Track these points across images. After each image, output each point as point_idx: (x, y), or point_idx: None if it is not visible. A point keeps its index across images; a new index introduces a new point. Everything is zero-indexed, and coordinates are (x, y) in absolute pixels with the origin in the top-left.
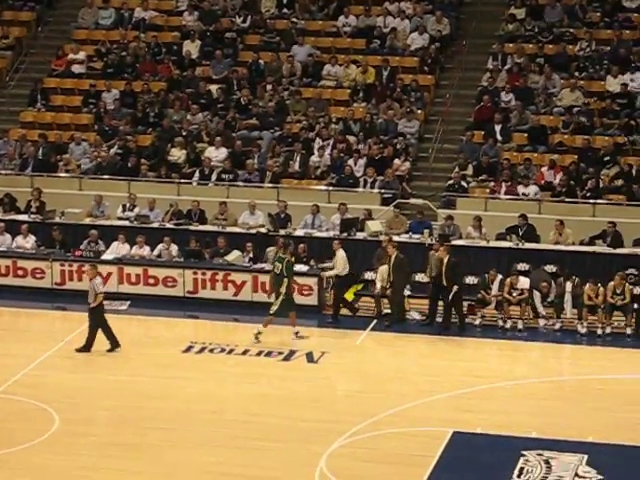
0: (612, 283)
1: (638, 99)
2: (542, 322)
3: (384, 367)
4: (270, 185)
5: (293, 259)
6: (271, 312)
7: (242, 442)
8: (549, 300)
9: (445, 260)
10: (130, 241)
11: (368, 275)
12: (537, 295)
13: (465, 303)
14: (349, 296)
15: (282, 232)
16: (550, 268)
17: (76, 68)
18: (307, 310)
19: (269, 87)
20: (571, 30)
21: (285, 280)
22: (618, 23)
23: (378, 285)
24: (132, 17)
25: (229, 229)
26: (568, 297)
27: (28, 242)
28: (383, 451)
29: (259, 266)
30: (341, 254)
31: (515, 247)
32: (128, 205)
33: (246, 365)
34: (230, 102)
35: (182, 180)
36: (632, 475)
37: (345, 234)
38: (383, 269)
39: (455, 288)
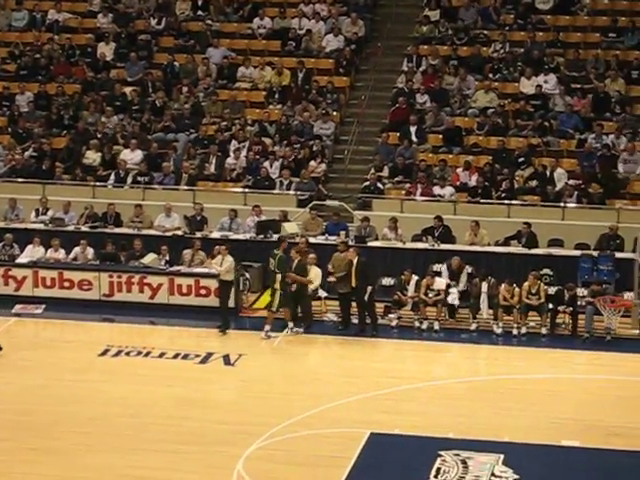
0: (527, 283)
1: (552, 100)
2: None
3: (301, 369)
4: (186, 187)
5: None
6: (272, 309)
7: (159, 445)
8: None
9: (355, 261)
10: (45, 244)
11: None
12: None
13: (381, 304)
14: (265, 299)
15: (198, 235)
16: (466, 269)
17: None
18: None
19: (184, 89)
20: (485, 32)
21: (278, 276)
22: (531, 25)
23: (311, 287)
24: (45, 19)
25: (145, 232)
26: (484, 297)
27: None
28: (301, 453)
29: (175, 269)
30: (229, 259)
31: (431, 248)
32: (41, 209)
33: (163, 368)
34: (145, 104)
35: (97, 183)
36: (547, 474)
37: (261, 236)
38: (317, 271)
39: (369, 289)
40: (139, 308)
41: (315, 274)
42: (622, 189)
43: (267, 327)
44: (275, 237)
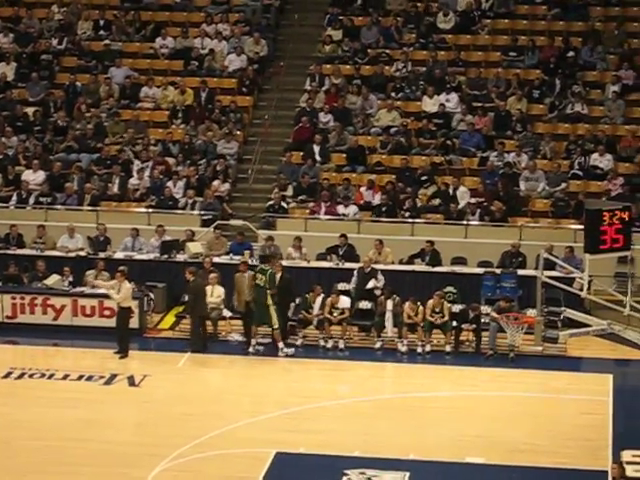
0: (431, 301)
1: (454, 119)
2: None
3: (206, 389)
4: (89, 208)
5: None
6: (275, 327)
7: (63, 468)
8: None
9: (279, 277)
10: None
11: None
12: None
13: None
14: (170, 319)
15: (102, 255)
16: (371, 286)
17: None
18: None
19: (83, 107)
20: (387, 51)
21: (269, 292)
22: (433, 44)
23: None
24: None
25: (48, 253)
26: (389, 315)
27: None
28: (206, 473)
29: (79, 290)
30: (126, 285)
31: (335, 267)
32: None
33: (67, 390)
34: (47, 125)
35: None
36: None
37: (165, 256)
38: (207, 290)
39: (292, 305)
40: (42, 330)
41: (218, 293)
42: (524, 207)
43: (280, 345)
44: (179, 257)
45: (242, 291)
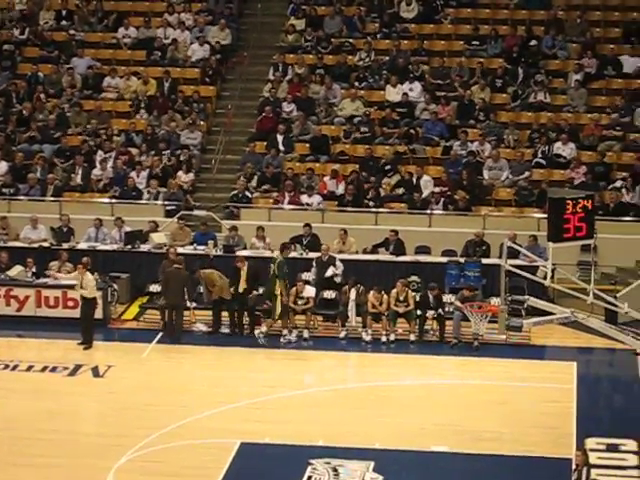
0: (395, 290)
1: (417, 108)
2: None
3: (171, 379)
4: (52, 199)
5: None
6: (275, 317)
7: (29, 459)
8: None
9: (245, 268)
10: None
11: (153, 287)
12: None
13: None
14: (134, 309)
15: (65, 246)
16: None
17: None
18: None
19: (42, 96)
20: (350, 40)
21: (278, 281)
22: (396, 33)
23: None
24: None
25: (11, 244)
26: (352, 305)
27: None
28: (172, 464)
29: (42, 281)
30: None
31: (299, 257)
32: None
33: (31, 381)
34: (10, 115)
35: None
36: (417, 479)
37: (129, 247)
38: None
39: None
40: (6, 321)
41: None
42: (487, 196)
43: (285, 332)
44: (144, 247)
45: (214, 284)
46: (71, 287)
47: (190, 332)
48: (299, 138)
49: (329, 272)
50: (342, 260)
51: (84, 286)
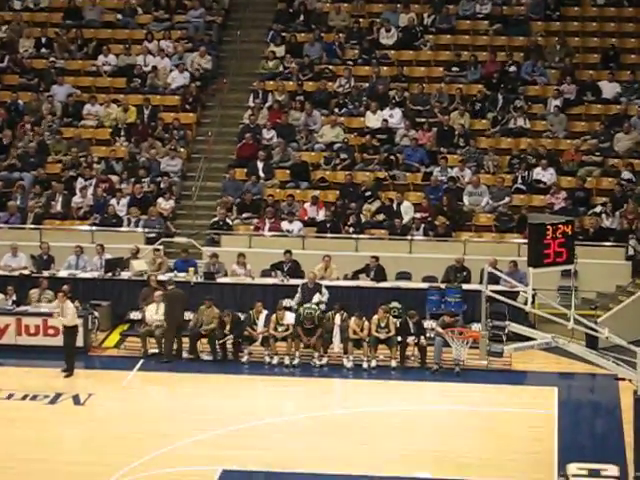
0: (376, 317)
1: (397, 134)
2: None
3: (152, 407)
4: (32, 226)
5: None
6: None
7: None
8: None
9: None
10: None
11: (133, 315)
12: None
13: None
14: (114, 337)
15: (45, 274)
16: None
17: None
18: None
19: (29, 128)
20: (330, 67)
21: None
22: (376, 60)
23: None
24: None
25: None
26: (337, 331)
27: None
28: None
29: (22, 309)
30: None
31: (280, 283)
32: None
33: (12, 409)
34: None
35: None
36: None
37: (110, 274)
38: (152, 307)
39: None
40: None
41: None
42: (468, 221)
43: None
44: (124, 275)
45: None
46: (51, 315)
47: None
48: (279, 165)
49: (315, 299)
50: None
51: (64, 314)
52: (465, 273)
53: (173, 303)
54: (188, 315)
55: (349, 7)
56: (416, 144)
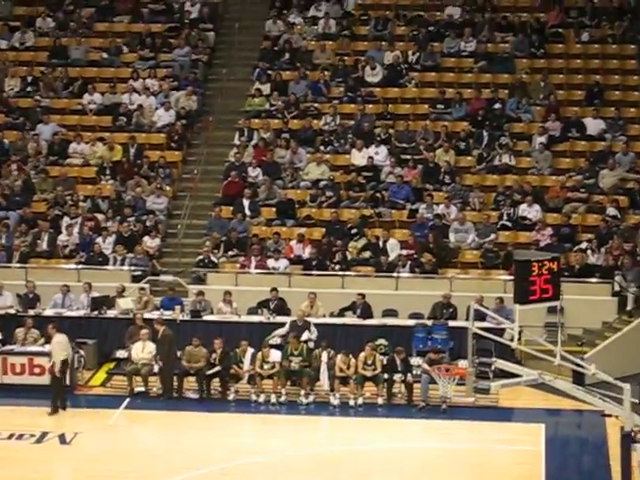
0: (363, 354)
1: (383, 172)
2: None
3: (138, 446)
4: (18, 265)
5: None
6: None
7: None
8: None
9: (160, 333)
10: None
11: (120, 353)
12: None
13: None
14: (101, 375)
15: (31, 312)
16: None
17: None
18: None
19: (13, 166)
20: (315, 105)
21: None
22: (361, 97)
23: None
24: None
25: None
26: (324, 368)
27: None
28: None
29: (8, 348)
30: (57, 339)
31: (266, 321)
32: None
33: None
34: None
35: None
36: None
37: (96, 312)
38: (138, 346)
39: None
40: None
41: (149, 349)
42: (454, 258)
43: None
44: (110, 313)
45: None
46: (37, 354)
47: (156, 397)
48: (265, 202)
49: (304, 336)
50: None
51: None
52: (452, 309)
53: (168, 343)
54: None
55: (334, 45)
56: (402, 181)
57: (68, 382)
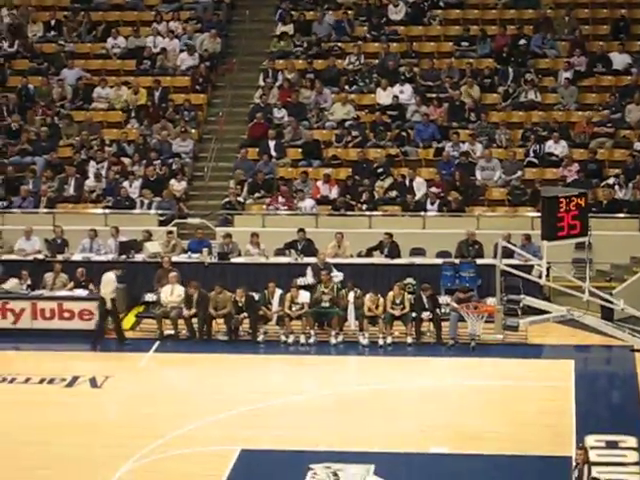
0: (391, 293)
1: (408, 110)
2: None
3: (169, 388)
4: (45, 210)
5: None
6: None
7: (29, 472)
8: None
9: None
10: None
11: (149, 297)
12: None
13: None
14: (130, 319)
15: (60, 257)
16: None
17: None
18: (89, 335)
19: (40, 112)
20: (339, 45)
21: None
22: (385, 36)
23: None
24: None
25: (5, 256)
26: (351, 308)
27: None
28: (171, 473)
29: (37, 293)
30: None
31: (294, 262)
32: None
33: (29, 393)
34: (0, 128)
35: None
36: None
37: (124, 256)
38: (167, 289)
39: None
40: (2, 334)
41: (178, 292)
42: (481, 196)
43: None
44: (138, 257)
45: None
46: (66, 299)
47: (185, 340)
48: (291, 143)
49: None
50: (338, 264)
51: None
52: (477, 246)
53: (204, 306)
54: None
55: None
56: (427, 120)
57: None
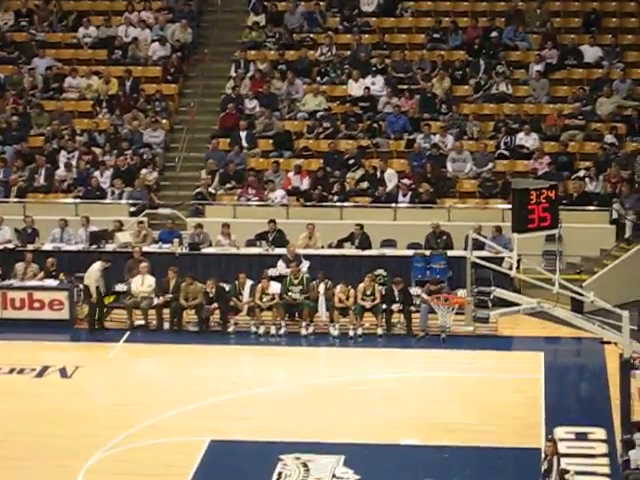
0: (362, 285)
1: (380, 102)
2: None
3: (139, 378)
4: (16, 200)
5: None
6: None
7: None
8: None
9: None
10: None
11: (119, 287)
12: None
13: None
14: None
15: (30, 247)
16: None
17: None
18: (58, 325)
19: (10, 101)
20: (311, 35)
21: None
22: (357, 27)
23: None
24: None
25: None
26: (322, 299)
27: None
28: (142, 463)
29: (8, 282)
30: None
31: (265, 253)
32: None
33: None
34: None
35: None
36: (387, 473)
37: (94, 246)
38: (137, 279)
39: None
40: None
41: (149, 282)
42: (451, 188)
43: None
44: (108, 247)
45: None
46: (36, 289)
47: (156, 331)
48: (262, 134)
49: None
50: (308, 255)
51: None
52: (445, 237)
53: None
54: None
55: None
56: (399, 111)
57: (69, 317)
